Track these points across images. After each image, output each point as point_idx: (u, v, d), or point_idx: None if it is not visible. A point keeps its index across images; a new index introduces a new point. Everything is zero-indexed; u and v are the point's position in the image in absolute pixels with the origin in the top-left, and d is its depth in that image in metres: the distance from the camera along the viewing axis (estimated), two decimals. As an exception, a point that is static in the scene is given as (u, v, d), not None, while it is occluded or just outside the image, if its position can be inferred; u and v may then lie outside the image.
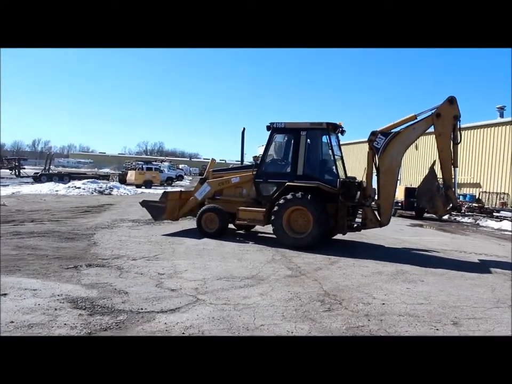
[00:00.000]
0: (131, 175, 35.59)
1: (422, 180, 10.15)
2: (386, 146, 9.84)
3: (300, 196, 9.80)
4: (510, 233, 16.06)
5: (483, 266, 8.99)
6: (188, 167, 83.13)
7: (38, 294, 5.54)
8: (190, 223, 13.04)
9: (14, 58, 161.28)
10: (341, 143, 11.52)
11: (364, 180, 10.32)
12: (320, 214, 9.70)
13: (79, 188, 25.30)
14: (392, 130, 9.95)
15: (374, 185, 10.23)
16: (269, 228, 11.23)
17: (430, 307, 5.93)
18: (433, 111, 9.64)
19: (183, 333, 4.50)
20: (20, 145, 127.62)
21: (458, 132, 9.62)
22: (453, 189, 9.65)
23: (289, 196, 9.92)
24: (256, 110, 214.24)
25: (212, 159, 12.58)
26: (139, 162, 41.65)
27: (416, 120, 9.82)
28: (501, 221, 18.28)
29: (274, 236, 10.50)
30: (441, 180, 9.73)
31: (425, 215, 20.61)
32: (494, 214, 20.04)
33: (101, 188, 26.25)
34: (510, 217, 18.20)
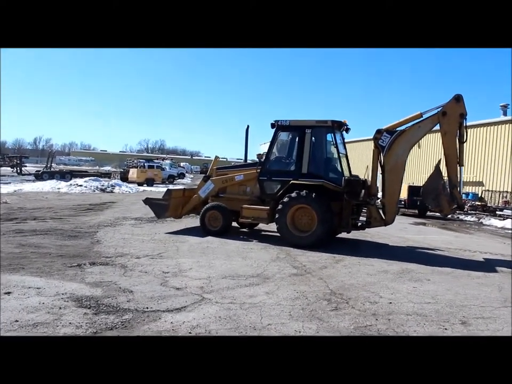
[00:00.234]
0: (133, 173, 35.54)
1: (427, 178, 10.08)
2: (391, 144, 9.76)
3: (304, 194, 9.73)
4: (514, 232, 16.01)
5: (488, 265, 8.93)
6: (189, 165, 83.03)
7: (42, 292, 5.49)
8: (193, 221, 12.99)
9: (15, 56, 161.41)
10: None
11: (367, 178, 10.26)
12: (324, 212, 9.63)
13: (81, 185, 25.27)
14: (397, 129, 9.88)
15: (378, 183, 10.17)
16: (272, 226, 11.18)
17: (437, 306, 5.87)
18: (439, 109, 9.56)
19: (190, 333, 4.45)
20: (21, 143, 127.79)
21: (464, 130, 9.55)
22: (459, 188, 9.58)
23: (293, 194, 9.86)
24: (258, 107, 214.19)
25: (216, 156, 12.52)
26: (140, 160, 41.58)
27: (421, 118, 9.74)
28: (504, 219, 18.21)
29: (277, 234, 10.45)
30: (446, 178, 9.66)
31: (428, 213, 20.57)
32: (497, 212, 19.96)
33: (102, 185, 26.20)
34: (513, 216, 18.12)
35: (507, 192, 22.67)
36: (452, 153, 9.54)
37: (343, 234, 10.96)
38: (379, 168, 10.06)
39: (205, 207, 11.14)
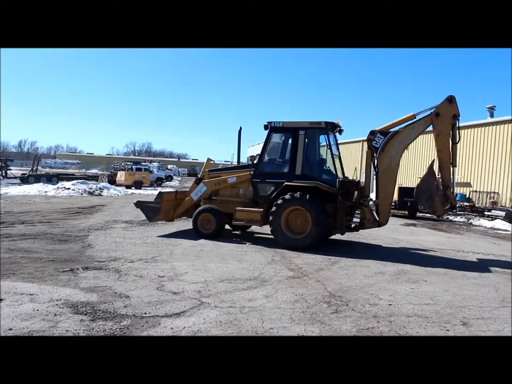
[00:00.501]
0: (121, 176, 35.15)
1: (420, 179, 10.09)
2: (385, 145, 9.76)
3: (298, 196, 9.68)
4: (503, 232, 16.15)
5: (482, 265, 8.96)
6: (177, 167, 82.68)
7: (35, 299, 5.33)
8: (184, 224, 12.86)
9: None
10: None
11: (356, 179, 10.25)
12: (319, 214, 9.58)
13: (68, 188, 24.86)
14: (391, 130, 9.88)
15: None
16: (264, 229, 11.11)
17: (437, 307, 5.85)
18: (432, 110, 9.59)
19: (191, 338, 4.34)
20: (6, 146, 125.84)
21: (457, 132, 9.60)
22: (452, 189, 9.62)
23: (287, 196, 9.79)
24: (246, 110, 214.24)
25: (208, 158, 12.40)
26: (128, 163, 41.20)
27: (415, 120, 9.76)
28: (493, 220, 18.38)
29: (270, 236, 10.38)
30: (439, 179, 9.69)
31: (418, 214, 20.69)
32: (485, 213, 20.15)
33: (90, 188, 25.84)
34: (502, 216, 18.28)
35: (494, 192, 22.92)
36: (445, 154, 9.57)
37: (336, 236, 10.93)
38: (372, 170, 10.05)
39: (198, 209, 11.01)
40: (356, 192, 10.25)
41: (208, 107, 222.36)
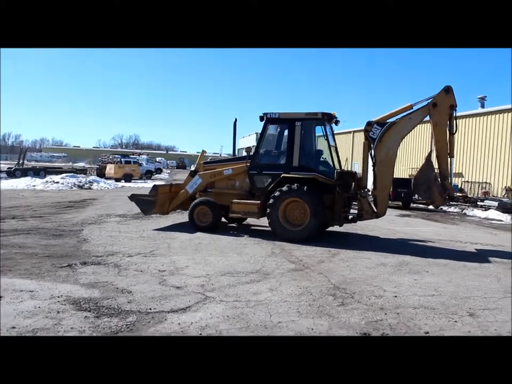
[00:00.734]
0: (110, 169, 34.71)
1: (418, 170, 10.07)
2: (382, 136, 9.68)
3: (296, 188, 9.57)
4: (497, 222, 16.26)
5: (482, 256, 8.97)
6: (165, 160, 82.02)
7: (35, 295, 5.18)
8: (179, 217, 12.71)
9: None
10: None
11: (350, 169, 10.21)
12: (317, 205, 9.50)
13: (57, 182, 24.50)
14: (388, 120, 9.81)
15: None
16: (261, 221, 11.02)
17: (442, 298, 5.82)
18: (429, 101, 9.54)
19: (200, 334, 4.24)
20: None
21: (455, 122, 9.58)
22: (450, 179, 9.60)
23: (285, 188, 9.68)
24: (236, 101, 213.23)
25: (203, 150, 12.24)
26: (116, 156, 40.74)
27: (412, 110, 9.70)
28: (486, 210, 18.52)
29: (267, 229, 10.28)
30: (437, 169, 9.67)
31: (412, 205, 20.78)
32: (478, 203, 20.30)
33: (80, 182, 25.50)
34: (495, 207, 18.43)
35: (486, 183, 23.10)
36: (443, 144, 9.54)
37: (334, 228, 10.88)
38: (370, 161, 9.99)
39: (194, 202, 10.86)
40: (353, 184, 10.21)
41: (197, 99, 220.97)
